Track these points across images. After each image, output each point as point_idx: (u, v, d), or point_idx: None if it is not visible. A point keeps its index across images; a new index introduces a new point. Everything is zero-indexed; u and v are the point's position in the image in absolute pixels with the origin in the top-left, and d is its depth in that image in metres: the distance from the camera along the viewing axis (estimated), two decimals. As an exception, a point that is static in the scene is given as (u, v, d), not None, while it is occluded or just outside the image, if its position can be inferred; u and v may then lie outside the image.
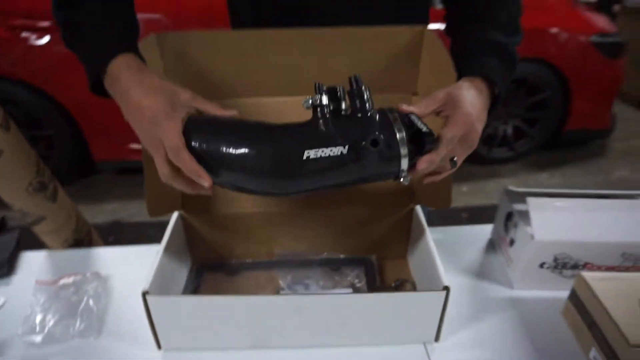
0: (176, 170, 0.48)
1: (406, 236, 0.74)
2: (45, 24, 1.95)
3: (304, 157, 0.46)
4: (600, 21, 2.41)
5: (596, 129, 2.53)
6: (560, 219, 0.65)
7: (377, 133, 0.46)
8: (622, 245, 0.64)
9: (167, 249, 0.63)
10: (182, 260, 0.70)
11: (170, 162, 0.47)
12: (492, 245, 0.80)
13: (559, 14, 2.42)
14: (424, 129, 0.48)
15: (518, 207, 0.71)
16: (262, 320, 0.56)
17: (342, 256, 0.74)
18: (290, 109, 0.65)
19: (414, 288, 0.68)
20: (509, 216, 0.73)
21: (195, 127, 0.48)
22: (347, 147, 0.46)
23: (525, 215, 0.69)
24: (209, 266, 0.74)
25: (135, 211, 2.18)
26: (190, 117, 0.49)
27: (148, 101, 0.46)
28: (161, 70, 0.61)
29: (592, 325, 0.57)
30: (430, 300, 0.55)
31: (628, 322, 0.53)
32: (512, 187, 0.74)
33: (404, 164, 0.48)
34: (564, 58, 2.26)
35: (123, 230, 2.05)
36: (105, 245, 0.86)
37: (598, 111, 2.45)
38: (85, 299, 0.66)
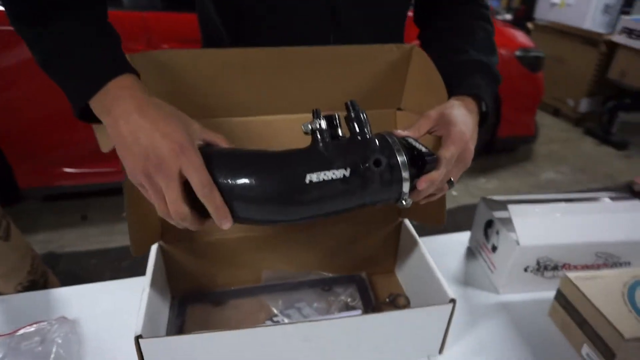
0: (194, 208, 0.43)
1: (394, 251, 0.74)
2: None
3: (307, 181, 0.44)
4: (521, 37, 2.63)
5: (523, 136, 2.75)
6: (540, 224, 0.68)
7: (378, 154, 0.46)
8: (596, 244, 0.69)
9: (152, 285, 0.57)
10: (163, 294, 0.65)
11: (188, 199, 0.42)
12: (471, 253, 0.82)
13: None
14: (424, 149, 0.48)
15: (497, 214, 0.74)
16: (269, 353, 0.53)
17: (331, 275, 0.72)
18: (277, 127, 0.64)
19: (407, 302, 0.68)
20: (489, 224, 0.75)
21: (211, 160, 0.44)
22: (349, 169, 0.46)
23: (505, 222, 0.71)
24: (192, 298, 0.69)
25: (69, 240, 2.00)
26: (201, 149, 0.45)
27: (167, 128, 0.41)
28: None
29: (582, 323, 0.61)
30: (438, 313, 0.55)
31: (618, 318, 0.56)
32: (488, 196, 0.77)
33: (406, 186, 0.48)
34: (492, 71, 2.43)
35: (59, 262, 1.86)
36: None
37: (524, 119, 2.66)
38: (54, 349, 0.58)
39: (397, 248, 0.74)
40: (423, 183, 0.49)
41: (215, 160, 0.44)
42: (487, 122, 0.61)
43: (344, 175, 0.45)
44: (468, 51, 0.63)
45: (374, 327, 0.54)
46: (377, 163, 0.46)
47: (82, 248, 1.95)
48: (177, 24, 1.92)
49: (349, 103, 0.49)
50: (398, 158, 0.47)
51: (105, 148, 0.53)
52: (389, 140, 0.48)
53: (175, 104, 0.57)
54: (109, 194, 2.31)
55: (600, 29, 3.23)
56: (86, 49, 0.44)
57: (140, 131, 0.41)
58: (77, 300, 0.70)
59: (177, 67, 0.55)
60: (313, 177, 0.44)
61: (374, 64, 0.62)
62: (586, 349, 0.60)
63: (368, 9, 0.66)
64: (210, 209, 0.43)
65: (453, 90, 0.59)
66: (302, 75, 0.60)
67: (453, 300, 0.54)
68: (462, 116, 0.55)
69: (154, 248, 0.63)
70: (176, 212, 0.42)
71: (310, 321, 0.51)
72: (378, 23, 0.67)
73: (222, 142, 0.47)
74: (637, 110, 3.14)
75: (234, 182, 0.44)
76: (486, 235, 0.76)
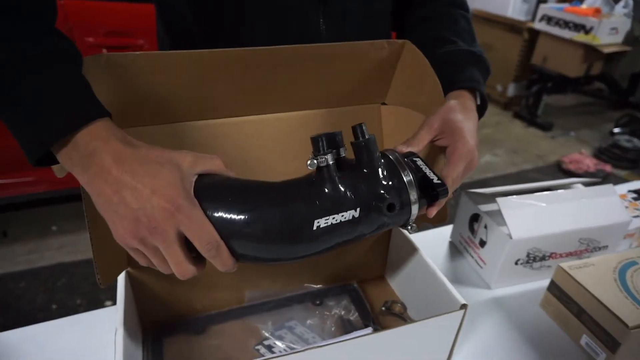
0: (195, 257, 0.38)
1: (384, 255, 0.70)
2: None
3: (314, 227, 0.40)
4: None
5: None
6: (528, 216, 0.68)
7: (388, 193, 0.42)
8: (579, 231, 0.69)
9: (125, 323, 0.48)
10: (135, 330, 0.56)
11: (194, 258, 0.37)
12: (454, 248, 0.81)
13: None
14: (435, 179, 0.45)
15: (482, 208, 0.72)
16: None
17: (320, 287, 0.67)
18: (260, 127, 0.57)
19: (404, 308, 0.65)
20: (474, 218, 0.74)
21: (208, 196, 0.38)
22: (358, 210, 0.42)
23: (492, 215, 0.70)
24: (168, 329, 0.60)
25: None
26: (196, 184, 0.38)
27: (155, 181, 0.34)
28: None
29: (580, 313, 0.61)
30: (449, 321, 0.52)
31: (617, 306, 0.57)
32: (471, 190, 0.76)
33: (415, 210, 0.45)
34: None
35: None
36: None
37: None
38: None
39: (387, 252, 0.70)
40: (433, 211, 0.47)
41: (213, 197, 0.38)
42: (483, 115, 0.58)
43: (353, 216, 0.42)
44: (456, 41, 0.60)
45: (387, 344, 0.50)
46: (390, 208, 0.43)
47: (6, 269, 1.73)
48: (104, 14, 1.73)
49: (357, 128, 0.43)
50: (410, 196, 0.44)
51: (59, 173, 0.43)
52: (400, 171, 0.44)
53: (138, 111, 0.49)
54: (30, 206, 2.07)
55: (521, 17, 3.41)
56: (42, 84, 0.34)
57: (124, 190, 0.33)
58: (25, 344, 0.58)
59: (141, 71, 0.45)
60: (321, 222, 0.40)
61: (362, 60, 0.56)
62: (586, 339, 0.60)
63: None
64: (217, 265, 0.38)
65: (449, 84, 0.55)
66: (285, 74, 0.53)
67: (465, 306, 0.51)
68: (466, 122, 0.52)
69: (121, 277, 0.54)
70: (182, 272, 0.37)
71: (319, 346, 0.46)
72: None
73: (219, 168, 0.40)
74: (558, 93, 3.39)
75: (233, 224, 0.38)
76: (472, 230, 0.75)
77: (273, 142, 0.58)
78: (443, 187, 0.45)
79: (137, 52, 0.43)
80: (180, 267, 0.36)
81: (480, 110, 0.58)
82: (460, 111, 0.52)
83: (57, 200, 2.09)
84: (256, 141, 0.57)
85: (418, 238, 0.81)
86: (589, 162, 2.73)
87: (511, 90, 3.53)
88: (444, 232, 0.84)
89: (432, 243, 0.82)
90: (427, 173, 0.46)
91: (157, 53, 0.45)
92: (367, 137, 0.42)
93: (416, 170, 0.45)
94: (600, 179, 2.54)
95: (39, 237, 1.92)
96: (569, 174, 2.65)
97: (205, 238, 0.35)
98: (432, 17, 0.65)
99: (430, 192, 0.45)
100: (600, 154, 2.88)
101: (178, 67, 0.47)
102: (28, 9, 0.35)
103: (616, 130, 3.06)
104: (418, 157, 0.48)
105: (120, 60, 0.43)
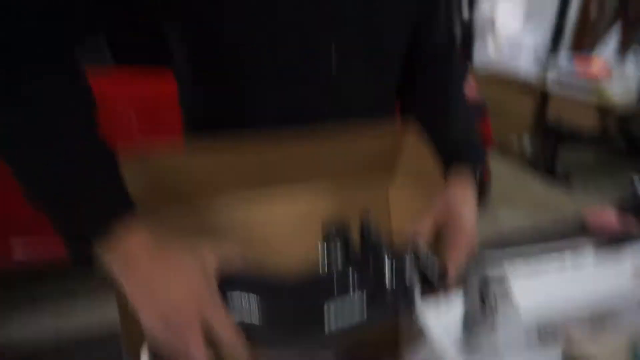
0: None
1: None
2: None
3: (325, 330, 0.45)
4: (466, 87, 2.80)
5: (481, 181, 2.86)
6: (539, 287, 0.69)
7: (393, 293, 0.47)
8: (591, 302, 0.70)
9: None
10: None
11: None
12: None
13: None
14: (435, 277, 0.51)
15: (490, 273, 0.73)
16: None
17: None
18: (268, 212, 0.61)
19: None
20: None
21: (227, 289, 0.43)
22: (365, 306, 0.47)
23: (501, 282, 0.71)
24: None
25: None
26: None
27: (184, 276, 0.39)
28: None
29: (593, 388, 0.60)
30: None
31: (631, 382, 0.56)
32: (481, 253, 0.77)
33: (418, 302, 0.50)
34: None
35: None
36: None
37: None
38: None
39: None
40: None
41: (231, 290, 0.43)
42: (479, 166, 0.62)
43: (360, 312, 0.46)
44: (451, 124, 0.65)
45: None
46: (395, 306, 0.48)
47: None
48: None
49: (365, 225, 0.49)
50: (415, 299, 0.49)
51: None
52: (404, 272, 0.49)
53: (159, 198, 0.54)
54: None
55: (532, 80, 3.43)
56: (88, 185, 0.39)
57: (154, 282, 0.38)
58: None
59: (167, 167, 0.52)
60: (332, 321, 0.45)
61: (365, 149, 0.62)
62: (601, 415, 0.59)
63: (367, 42, 0.62)
64: (232, 353, 0.42)
65: (449, 163, 0.60)
66: (294, 169, 0.59)
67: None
68: (467, 209, 0.57)
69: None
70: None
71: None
72: (377, 60, 0.64)
73: (237, 261, 0.45)
74: (576, 149, 3.39)
75: (253, 325, 0.43)
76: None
77: (283, 222, 0.62)
78: (443, 281, 0.51)
79: (166, 150, 0.49)
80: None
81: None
82: (461, 196, 0.57)
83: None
84: (267, 224, 0.61)
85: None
86: (610, 218, 2.68)
87: (528, 144, 3.54)
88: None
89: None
90: (429, 266, 0.51)
91: (182, 149, 0.52)
92: (373, 233, 0.48)
93: (418, 264, 0.50)
94: (622, 236, 2.48)
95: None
96: (589, 230, 2.60)
97: (227, 334, 0.40)
98: (428, 94, 0.69)
99: (431, 286, 0.51)
100: (622, 210, 2.82)
101: (201, 161, 0.53)
102: (77, 102, 0.41)
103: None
104: (421, 250, 0.53)
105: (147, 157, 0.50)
